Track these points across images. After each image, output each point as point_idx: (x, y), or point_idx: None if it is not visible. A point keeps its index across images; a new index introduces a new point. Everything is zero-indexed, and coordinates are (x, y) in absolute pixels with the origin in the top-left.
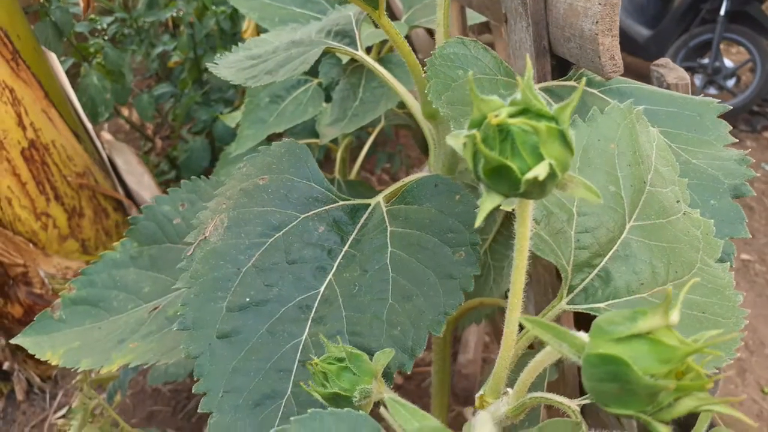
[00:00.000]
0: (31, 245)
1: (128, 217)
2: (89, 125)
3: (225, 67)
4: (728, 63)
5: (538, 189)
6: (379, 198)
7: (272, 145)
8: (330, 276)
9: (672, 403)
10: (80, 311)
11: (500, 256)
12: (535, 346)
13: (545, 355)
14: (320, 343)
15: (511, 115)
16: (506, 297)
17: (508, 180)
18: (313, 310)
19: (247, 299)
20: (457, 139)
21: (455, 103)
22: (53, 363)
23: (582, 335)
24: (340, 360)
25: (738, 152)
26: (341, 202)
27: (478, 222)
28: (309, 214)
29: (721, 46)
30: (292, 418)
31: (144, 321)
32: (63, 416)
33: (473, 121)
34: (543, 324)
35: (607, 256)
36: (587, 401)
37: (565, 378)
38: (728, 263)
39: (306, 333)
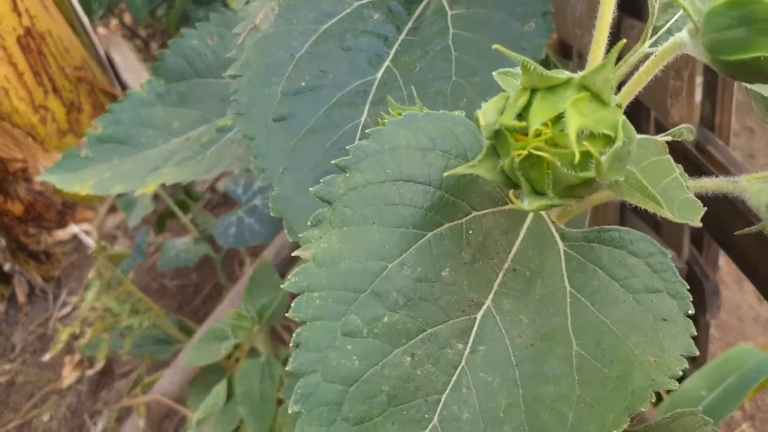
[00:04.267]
0: (30, 139)
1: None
2: (85, 19)
3: None
4: None
5: None
6: None
7: None
8: (387, 62)
9: None
10: (107, 149)
11: None
12: None
13: (663, 52)
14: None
15: None
16: None
17: None
18: (371, 93)
19: (302, 84)
20: None
21: None
22: (82, 194)
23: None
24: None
25: None
26: None
27: None
28: (363, 1)
29: None
30: (387, 121)
31: (177, 151)
32: (68, 315)
33: None
34: None
35: None
36: (668, 138)
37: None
38: None
39: (365, 114)
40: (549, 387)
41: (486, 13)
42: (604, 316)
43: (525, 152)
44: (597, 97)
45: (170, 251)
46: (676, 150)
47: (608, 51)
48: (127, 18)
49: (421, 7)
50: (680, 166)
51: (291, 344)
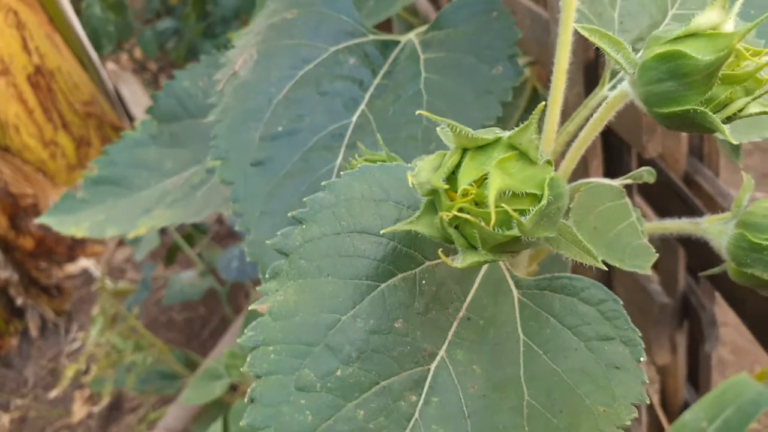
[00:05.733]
0: (40, 174)
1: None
2: (94, 55)
3: None
4: None
5: None
6: (411, 35)
7: None
8: (362, 106)
9: (726, 102)
10: (102, 190)
11: None
12: None
13: (613, 101)
14: None
15: None
16: None
17: None
18: (347, 137)
19: (280, 128)
20: None
21: None
22: (78, 236)
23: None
24: (378, 160)
25: None
26: (372, 37)
27: None
28: (339, 46)
29: None
30: (342, 173)
31: (169, 192)
32: (77, 349)
33: None
34: (601, 33)
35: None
36: (628, 181)
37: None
38: None
39: (341, 158)
40: None
41: (456, 57)
42: (556, 364)
43: (451, 213)
44: (524, 156)
45: (176, 285)
46: (663, 184)
47: (586, 89)
48: (137, 52)
49: (396, 51)
50: (638, 209)
51: (246, 399)
